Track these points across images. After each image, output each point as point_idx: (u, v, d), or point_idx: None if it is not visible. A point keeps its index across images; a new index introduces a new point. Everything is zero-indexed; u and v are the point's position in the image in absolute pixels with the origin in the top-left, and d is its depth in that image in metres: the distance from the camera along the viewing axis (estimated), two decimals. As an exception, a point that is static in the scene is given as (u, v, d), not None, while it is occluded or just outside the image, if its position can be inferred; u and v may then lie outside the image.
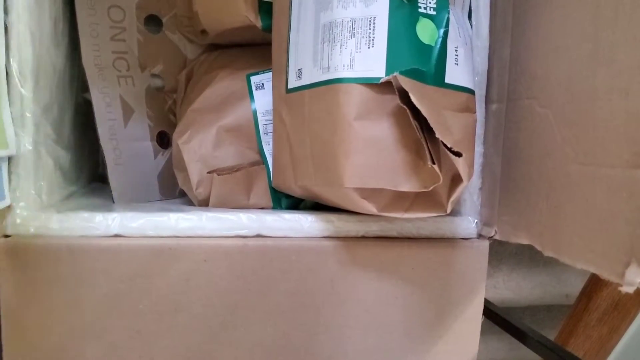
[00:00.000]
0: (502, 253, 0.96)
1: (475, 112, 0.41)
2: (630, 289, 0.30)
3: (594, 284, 0.73)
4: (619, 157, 0.31)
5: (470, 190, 0.48)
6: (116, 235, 0.41)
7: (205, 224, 0.43)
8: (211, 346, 0.44)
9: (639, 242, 0.29)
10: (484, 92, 0.46)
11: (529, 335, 0.45)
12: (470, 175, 0.36)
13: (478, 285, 0.47)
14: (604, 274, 0.32)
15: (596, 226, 0.33)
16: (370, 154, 0.38)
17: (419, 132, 0.36)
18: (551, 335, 0.75)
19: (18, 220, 0.39)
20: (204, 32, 0.55)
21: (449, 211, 0.39)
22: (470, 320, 0.48)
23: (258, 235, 0.43)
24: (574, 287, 0.88)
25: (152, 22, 0.57)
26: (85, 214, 0.41)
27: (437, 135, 0.34)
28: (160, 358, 0.43)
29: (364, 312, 0.46)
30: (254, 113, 0.50)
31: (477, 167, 0.47)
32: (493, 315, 0.51)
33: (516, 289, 0.95)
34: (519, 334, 0.47)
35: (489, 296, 0.51)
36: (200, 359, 0.44)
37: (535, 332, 0.45)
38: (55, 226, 0.40)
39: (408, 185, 0.38)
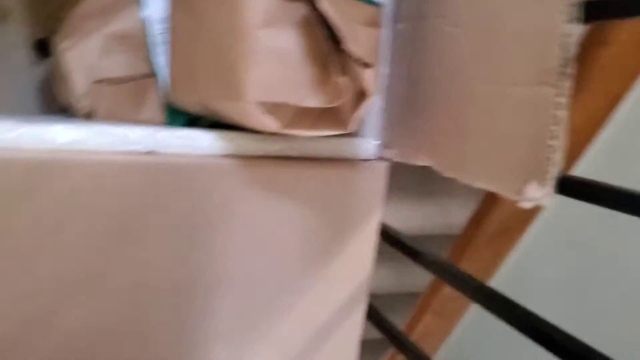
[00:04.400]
0: (393, 185, 0.98)
1: (381, 28, 0.39)
2: (528, 205, 0.31)
3: (484, 209, 0.77)
4: (525, 74, 0.31)
5: (373, 113, 0.47)
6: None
7: (91, 137, 0.39)
8: (99, 264, 0.41)
9: (541, 159, 0.30)
10: (390, 11, 0.45)
11: (423, 254, 0.46)
12: (375, 90, 0.35)
13: (375, 206, 0.48)
14: (504, 192, 0.33)
15: (499, 145, 0.34)
16: (274, 66, 0.35)
17: (326, 42, 0.34)
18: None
19: None
20: None
21: (351, 129, 0.38)
22: (365, 241, 0.48)
23: (150, 152, 0.40)
24: (457, 219, 0.93)
25: None
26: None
27: (346, 44, 0.32)
28: (41, 280, 0.40)
29: (260, 233, 0.45)
30: (144, 20, 0.45)
31: (381, 88, 0.46)
32: (388, 236, 0.52)
33: (404, 219, 0.98)
34: (413, 253, 0.48)
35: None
36: (89, 277, 0.41)
37: (429, 251, 0.46)
38: None
39: (313, 101, 0.36)
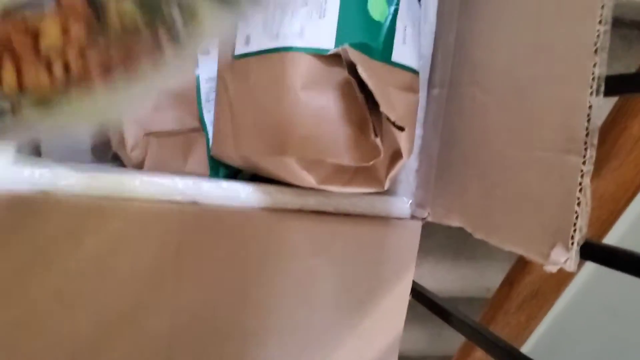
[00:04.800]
0: (429, 245, 0.98)
1: (418, 93, 0.41)
2: (554, 269, 0.32)
3: (516, 272, 0.76)
4: (552, 142, 0.33)
5: (407, 172, 0.49)
6: (43, 192, 0.39)
7: (139, 186, 0.41)
8: (137, 310, 0.43)
9: (565, 224, 0.31)
10: (427, 76, 0.47)
11: (454, 315, 0.47)
12: (410, 152, 0.37)
13: (408, 264, 0.48)
14: (531, 255, 0.34)
15: (526, 208, 0.35)
16: (313, 125, 0.38)
17: (363, 105, 0.36)
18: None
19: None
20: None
21: (386, 187, 0.40)
22: (398, 299, 0.49)
23: (193, 202, 0.43)
24: (495, 282, 0.92)
25: None
26: (13, 167, 0.39)
27: (382, 108, 0.34)
28: (83, 321, 0.42)
29: (295, 286, 0.46)
30: (197, 79, 0.49)
31: (415, 149, 0.48)
32: (420, 295, 0.53)
33: (441, 280, 0.98)
34: (444, 314, 0.48)
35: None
36: (125, 323, 0.43)
37: (459, 312, 0.46)
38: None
39: (349, 159, 0.38)
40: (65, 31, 0.27)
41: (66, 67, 0.28)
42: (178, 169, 0.49)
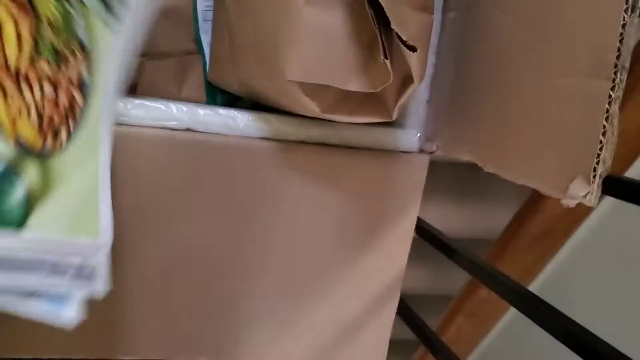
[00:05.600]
0: (435, 185, 0.97)
1: (432, 14, 0.38)
2: (572, 203, 0.30)
3: (527, 210, 0.74)
4: (578, 66, 0.30)
5: (417, 104, 0.46)
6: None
7: (131, 111, 0.39)
8: (132, 238, 0.41)
9: (589, 156, 0.28)
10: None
11: (458, 252, 0.45)
12: (421, 76, 0.34)
13: (414, 200, 0.46)
14: (546, 190, 0.32)
15: (544, 140, 0.32)
16: (318, 45, 0.34)
17: (374, 22, 0.33)
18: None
19: None
20: None
21: (394, 117, 0.37)
22: (402, 235, 0.47)
23: (188, 129, 0.40)
24: (501, 224, 0.91)
25: None
26: None
27: (393, 26, 0.31)
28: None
29: (296, 219, 0.44)
30: (194, -4, 0.45)
31: (426, 78, 0.45)
32: (424, 232, 0.51)
33: (446, 221, 0.96)
34: (449, 251, 0.47)
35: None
36: (117, 253, 0.41)
37: (464, 249, 0.45)
38: None
39: (356, 84, 0.35)
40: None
41: None
42: (172, 96, 0.46)
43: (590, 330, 0.33)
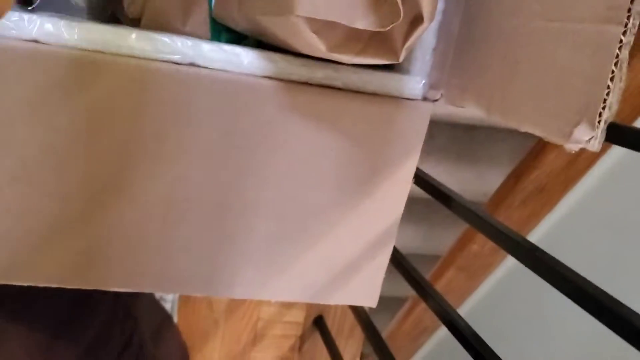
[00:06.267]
0: (431, 146, 0.97)
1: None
2: (575, 147, 0.30)
3: (524, 166, 0.74)
4: (591, 11, 0.29)
5: (423, 50, 0.46)
6: (34, 41, 0.37)
7: (135, 42, 0.38)
8: (131, 173, 0.41)
9: (595, 101, 0.28)
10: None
11: (456, 200, 0.45)
12: (432, 16, 0.34)
13: (414, 147, 0.46)
14: (550, 135, 0.32)
15: (552, 85, 0.32)
16: (327, -20, 0.34)
17: (385, -42, 0.33)
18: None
19: None
20: None
21: (401, 59, 0.37)
22: (400, 182, 0.47)
23: (192, 64, 0.40)
24: (494, 187, 0.91)
25: None
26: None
27: (405, -39, 0.31)
28: (75, 179, 0.40)
29: (296, 160, 0.44)
30: None
31: (434, 24, 0.44)
32: (422, 181, 0.51)
33: (441, 181, 0.97)
34: (446, 199, 0.47)
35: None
36: (117, 187, 0.41)
37: (461, 197, 0.45)
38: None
39: (365, 22, 0.35)
40: None
41: None
42: (176, 31, 0.45)
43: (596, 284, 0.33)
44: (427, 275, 0.98)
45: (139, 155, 0.41)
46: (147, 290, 0.47)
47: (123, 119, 0.39)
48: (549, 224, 0.82)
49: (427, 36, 0.45)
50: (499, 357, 0.42)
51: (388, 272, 0.52)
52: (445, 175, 1.00)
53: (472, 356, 0.43)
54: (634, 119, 0.63)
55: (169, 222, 0.44)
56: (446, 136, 0.97)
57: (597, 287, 0.32)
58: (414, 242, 1.11)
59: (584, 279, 0.33)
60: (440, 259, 0.96)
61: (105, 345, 0.59)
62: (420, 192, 0.53)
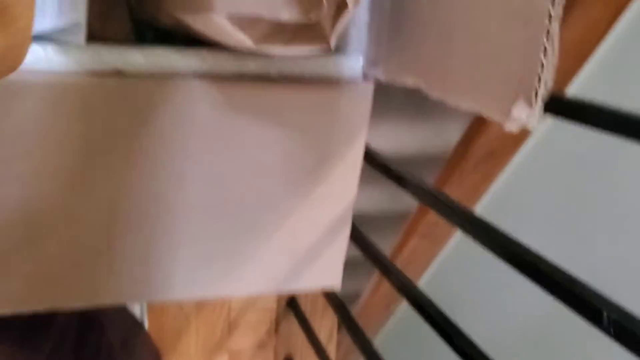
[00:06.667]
0: (388, 106, 0.96)
1: None
2: (514, 127, 0.29)
3: (472, 132, 0.75)
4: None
5: (358, 27, 0.44)
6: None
7: (52, 56, 0.36)
8: (65, 195, 0.39)
9: (530, 77, 0.28)
10: None
11: (407, 178, 0.45)
12: (355, 1, 0.32)
13: (360, 129, 0.45)
14: (490, 113, 0.31)
15: (485, 63, 0.31)
16: (244, -26, 0.32)
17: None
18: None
19: None
20: None
21: (333, 45, 0.35)
22: (350, 165, 0.46)
23: (116, 71, 0.38)
24: (453, 138, 0.91)
25: None
26: None
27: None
28: (8, 206, 0.38)
29: (241, 157, 0.43)
30: None
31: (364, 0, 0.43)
32: (373, 161, 0.50)
33: (400, 140, 0.96)
34: (398, 178, 0.46)
35: (374, 145, 0.50)
36: (53, 209, 0.39)
37: (414, 177, 0.44)
38: None
39: (288, 13, 0.33)
40: None
41: None
42: (96, 33, 0.43)
43: (532, 247, 0.33)
44: (393, 241, 0.99)
45: (72, 175, 0.39)
46: (105, 302, 0.45)
47: (50, 139, 0.37)
48: (500, 183, 0.83)
49: (360, 13, 0.43)
50: (459, 328, 0.42)
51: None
52: (407, 135, 1.00)
53: (437, 331, 0.43)
54: (573, 74, 0.63)
55: (113, 234, 0.42)
56: (401, 95, 0.96)
57: (534, 254, 0.32)
58: (378, 204, 1.11)
59: (522, 247, 0.33)
60: (403, 228, 0.96)
61: (68, 354, 0.58)
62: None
